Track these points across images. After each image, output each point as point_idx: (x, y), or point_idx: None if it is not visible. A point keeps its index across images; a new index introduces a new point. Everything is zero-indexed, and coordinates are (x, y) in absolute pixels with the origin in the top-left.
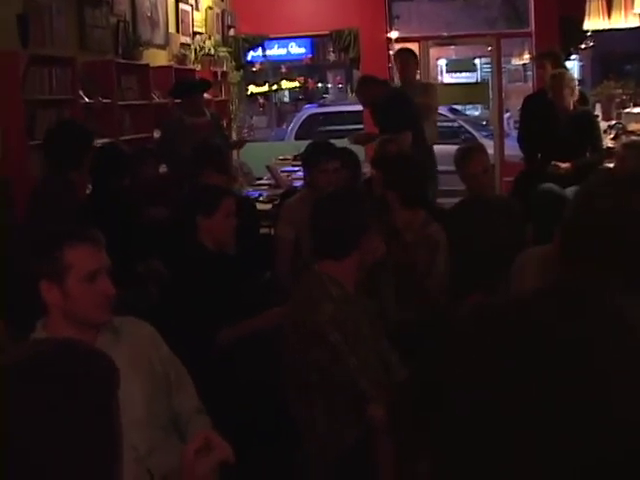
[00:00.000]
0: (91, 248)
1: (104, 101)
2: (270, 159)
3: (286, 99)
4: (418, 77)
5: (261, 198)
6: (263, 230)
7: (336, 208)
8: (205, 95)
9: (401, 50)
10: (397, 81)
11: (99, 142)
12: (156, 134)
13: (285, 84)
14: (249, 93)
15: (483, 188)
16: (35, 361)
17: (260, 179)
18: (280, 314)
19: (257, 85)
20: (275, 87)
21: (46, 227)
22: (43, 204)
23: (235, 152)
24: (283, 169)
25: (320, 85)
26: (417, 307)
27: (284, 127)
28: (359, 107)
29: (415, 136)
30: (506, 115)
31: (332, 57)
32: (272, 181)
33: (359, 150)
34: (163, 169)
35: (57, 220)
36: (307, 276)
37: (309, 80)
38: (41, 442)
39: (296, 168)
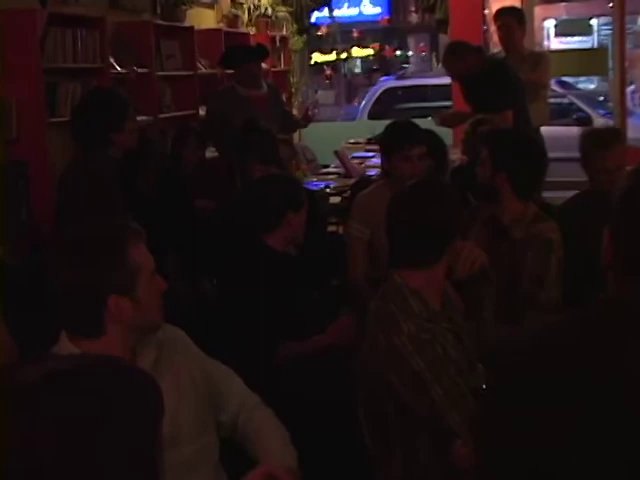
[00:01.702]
0: (143, 241)
1: (139, 71)
2: (339, 143)
3: (358, 70)
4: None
5: (328, 190)
6: (330, 228)
7: (420, 204)
8: (262, 65)
9: (502, 10)
10: (493, 48)
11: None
12: (202, 111)
13: (357, 52)
14: (313, 62)
15: (613, 186)
16: (72, 374)
17: (327, 167)
18: (351, 328)
19: (323, 53)
20: (345, 55)
21: (96, 227)
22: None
23: (297, 134)
24: (354, 155)
25: (399, 53)
26: (523, 322)
27: (355, 104)
28: (447, 80)
29: (517, 116)
30: (630, 88)
31: (414, 19)
32: (341, 169)
33: (445, 133)
34: (211, 152)
35: (105, 213)
36: (385, 286)
37: (386, 47)
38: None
39: (370, 154)
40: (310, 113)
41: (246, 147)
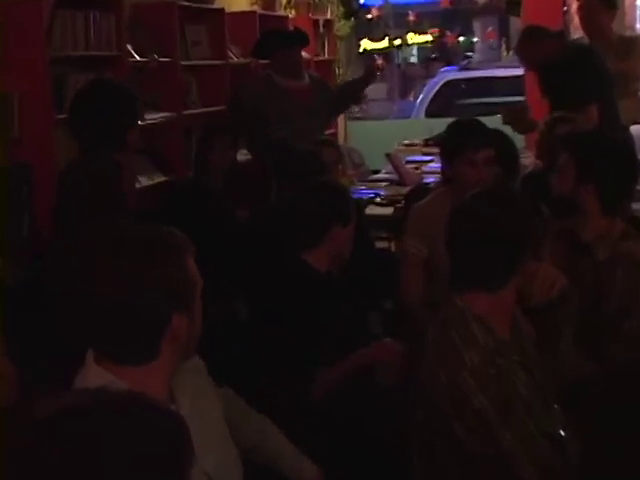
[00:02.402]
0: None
1: (161, 60)
2: (391, 144)
3: (414, 59)
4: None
5: (378, 199)
6: (380, 244)
7: (486, 215)
8: (302, 53)
9: None
10: (575, 33)
11: (154, 118)
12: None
13: (413, 38)
14: (362, 50)
15: None
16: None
17: (377, 172)
18: (398, 347)
19: (373, 40)
20: (399, 42)
21: (147, 231)
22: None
23: (342, 133)
24: (410, 158)
25: (463, 39)
26: (608, 356)
27: (410, 99)
28: (519, 71)
29: (603, 113)
30: None
31: None
32: (394, 175)
33: (517, 134)
34: (243, 155)
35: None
36: (446, 311)
37: (447, 32)
38: None
39: (429, 157)
40: (377, 64)
41: (278, 171)
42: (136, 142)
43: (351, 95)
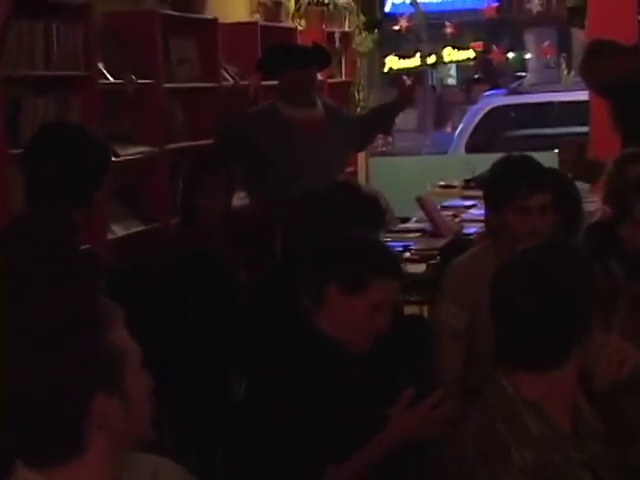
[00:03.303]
0: (122, 321)
1: (140, 82)
2: (423, 186)
3: (452, 81)
4: None
5: (407, 254)
6: (410, 309)
7: (541, 275)
8: (316, 74)
9: None
10: None
11: (131, 153)
12: None
13: (451, 55)
14: (387, 70)
15: None
16: None
17: (405, 221)
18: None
19: (401, 56)
20: (433, 60)
21: (58, 305)
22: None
23: (363, 173)
24: (446, 204)
25: (512, 56)
26: None
27: (447, 130)
28: (584, 95)
29: None
30: None
31: (535, 7)
32: (427, 225)
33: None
34: (241, 199)
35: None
36: (490, 396)
37: (493, 48)
38: None
39: (469, 202)
40: (410, 83)
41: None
42: (101, 200)
43: (379, 124)
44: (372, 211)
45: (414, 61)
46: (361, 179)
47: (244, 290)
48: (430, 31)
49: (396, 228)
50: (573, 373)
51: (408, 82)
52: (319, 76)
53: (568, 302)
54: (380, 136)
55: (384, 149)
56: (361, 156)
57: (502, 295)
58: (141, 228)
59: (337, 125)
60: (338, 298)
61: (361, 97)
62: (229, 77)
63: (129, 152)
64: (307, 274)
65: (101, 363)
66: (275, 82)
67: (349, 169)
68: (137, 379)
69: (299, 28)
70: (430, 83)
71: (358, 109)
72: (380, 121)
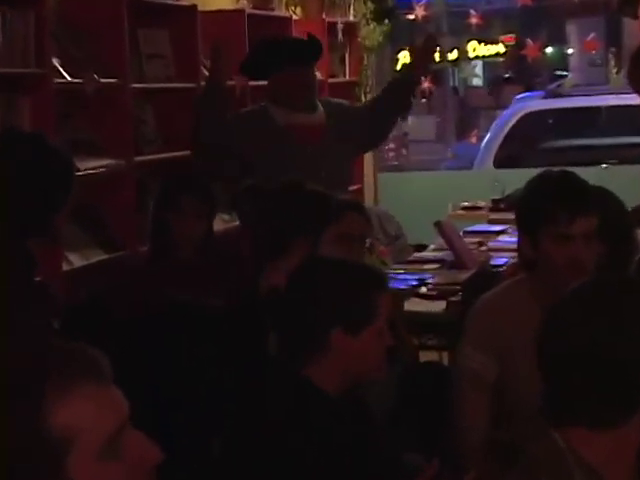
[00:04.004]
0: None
1: (103, 81)
2: (443, 207)
3: (478, 81)
4: None
5: (424, 289)
6: (426, 355)
7: (604, 318)
8: (314, 72)
9: None
10: None
11: (92, 167)
12: None
13: (477, 49)
14: (400, 67)
15: None
16: None
17: (422, 249)
18: None
19: None
20: (455, 56)
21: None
22: None
23: (370, 193)
24: (471, 229)
25: (551, 51)
26: None
27: (472, 140)
28: (636, 99)
29: None
30: None
31: None
32: (447, 254)
33: (630, 189)
34: (225, 223)
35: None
36: (532, 449)
37: (527, 41)
38: None
39: (498, 227)
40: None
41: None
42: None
43: (392, 108)
44: (316, 210)
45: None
46: (368, 198)
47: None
48: (452, 21)
49: (410, 258)
50: (637, 433)
51: (425, 84)
52: (318, 75)
53: (630, 353)
54: (391, 146)
55: (396, 163)
56: (369, 171)
57: (551, 346)
58: (103, 257)
59: (341, 124)
60: (346, 341)
61: (368, 100)
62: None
63: (89, 165)
64: (314, 314)
65: (26, 454)
66: (265, 82)
67: (354, 186)
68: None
69: (294, 17)
70: (451, 84)
71: None
72: (393, 103)
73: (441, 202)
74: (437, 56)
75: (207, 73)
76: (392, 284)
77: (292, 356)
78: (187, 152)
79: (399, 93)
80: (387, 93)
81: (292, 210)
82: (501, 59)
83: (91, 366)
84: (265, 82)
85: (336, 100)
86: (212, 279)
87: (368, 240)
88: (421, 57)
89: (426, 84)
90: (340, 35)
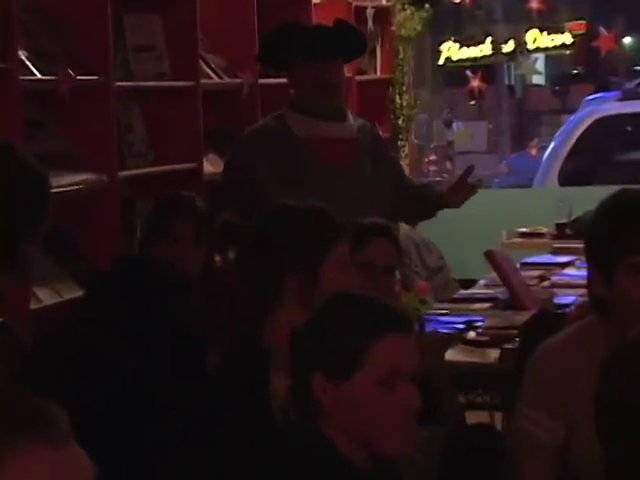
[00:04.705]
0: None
1: (81, 79)
2: (495, 233)
3: (539, 79)
4: None
5: (473, 335)
6: (475, 416)
7: None
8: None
9: None
10: None
11: (67, 182)
12: (210, 166)
13: (537, 40)
14: (442, 62)
15: None
16: None
17: (469, 285)
18: None
19: (465, 43)
20: (510, 47)
21: None
22: None
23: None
24: (530, 260)
25: (628, 42)
26: None
27: (532, 151)
28: None
29: None
30: None
31: None
32: (501, 291)
33: None
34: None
35: None
36: None
37: (600, 30)
38: None
39: (564, 259)
40: (475, 181)
41: None
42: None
43: (415, 207)
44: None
45: (483, 49)
46: (405, 224)
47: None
48: (507, 5)
49: (456, 295)
50: None
51: (474, 82)
52: (347, 72)
53: None
54: (433, 158)
55: (438, 178)
56: None
57: (612, 394)
58: (79, 293)
59: (373, 159)
60: (328, 390)
61: (404, 103)
62: (211, 72)
63: (63, 182)
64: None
65: None
66: (281, 80)
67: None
68: None
69: (315, 1)
70: (507, 82)
71: (400, 121)
72: (418, 205)
73: (493, 227)
74: (490, 48)
75: (209, 71)
76: (431, 327)
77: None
78: (183, 165)
79: (424, 204)
80: (419, 192)
81: (275, 242)
82: (568, 52)
83: (47, 425)
84: (280, 80)
85: (374, 129)
86: (211, 322)
87: (400, 274)
88: (457, 192)
89: (476, 82)
90: (370, 22)
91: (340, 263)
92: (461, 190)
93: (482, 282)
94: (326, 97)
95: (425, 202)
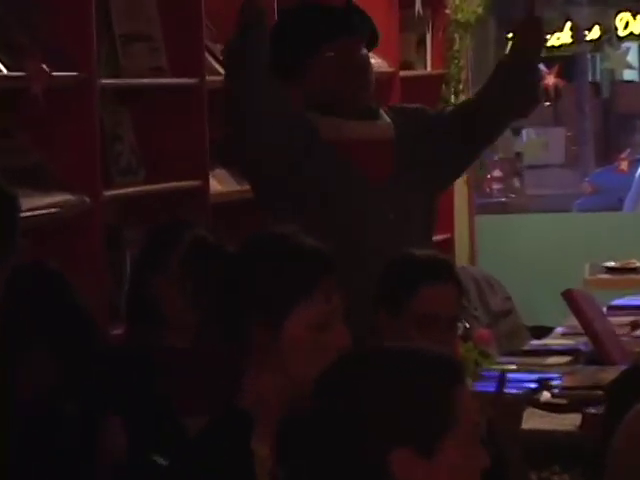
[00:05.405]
0: None
1: (58, 75)
2: (577, 268)
3: (632, 74)
4: None
5: (547, 396)
6: None
7: None
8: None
9: None
10: None
11: (41, 204)
12: (218, 184)
13: (629, 24)
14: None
15: None
16: None
17: (545, 333)
18: None
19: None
20: (596, 34)
21: None
22: None
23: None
24: (620, 302)
25: None
26: None
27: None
28: None
29: None
30: None
31: None
32: (582, 342)
33: None
34: None
35: None
36: None
37: None
38: None
39: None
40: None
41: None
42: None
43: (504, 95)
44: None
45: (561, 37)
46: (461, 254)
47: None
48: None
49: (526, 347)
50: None
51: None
52: (384, 64)
53: None
54: (497, 174)
55: (504, 199)
56: (462, 212)
57: None
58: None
59: (420, 141)
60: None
61: (459, 100)
62: (220, 67)
63: (37, 204)
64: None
65: None
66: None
67: (440, 236)
68: None
69: None
70: (590, 79)
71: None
72: (505, 92)
73: (574, 260)
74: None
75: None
76: (495, 387)
77: None
78: (184, 183)
79: (515, 78)
80: (494, 79)
81: (243, 285)
82: None
83: None
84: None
85: (410, 106)
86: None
87: (463, 326)
88: (523, 41)
89: (551, 79)
90: (418, 4)
91: (314, 318)
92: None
93: (559, 330)
94: (352, 91)
95: (505, 71)
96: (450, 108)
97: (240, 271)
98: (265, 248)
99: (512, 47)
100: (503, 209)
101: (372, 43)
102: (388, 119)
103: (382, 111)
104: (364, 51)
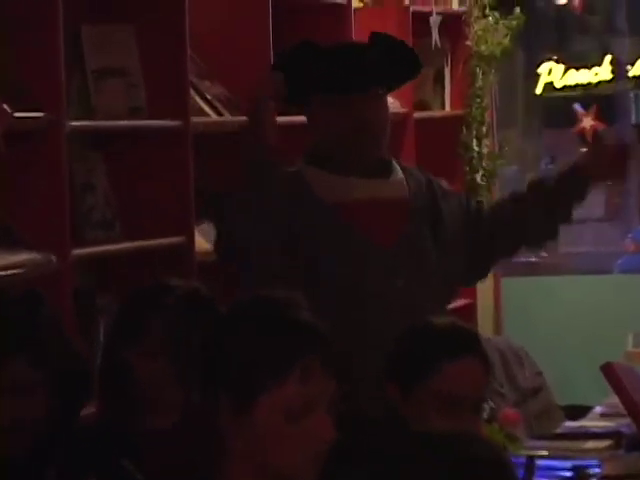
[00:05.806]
0: None
1: (21, 116)
2: (618, 338)
3: None
4: None
5: None
6: None
7: None
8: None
9: None
10: None
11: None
12: (206, 242)
13: None
14: (541, 90)
15: None
16: None
17: (582, 413)
18: None
19: (570, 64)
20: (639, 70)
21: None
22: None
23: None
24: None
25: None
26: None
27: None
28: None
29: None
30: None
31: None
32: (625, 424)
33: None
34: None
35: None
36: None
37: None
38: None
39: None
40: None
41: None
42: None
43: (533, 217)
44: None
45: (600, 73)
46: (484, 323)
47: None
48: (635, 10)
49: (560, 430)
50: None
51: (586, 122)
52: (397, 105)
53: None
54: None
55: (534, 259)
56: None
57: None
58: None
59: (434, 223)
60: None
61: (484, 150)
62: (207, 107)
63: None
64: None
65: None
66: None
67: (460, 301)
68: None
69: (356, 4)
70: (633, 120)
71: (478, 177)
72: (536, 209)
73: (615, 329)
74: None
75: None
76: (522, 475)
77: None
78: (165, 240)
79: (551, 199)
80: (530, 194)
81: (223, 360)
82: None
83: None
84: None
85: (427, 174)
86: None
87: (490, 406)
88: (593, 162)
89: (589, 121)
90: (435, 35)
91: (286, 404)
92: (600, 152)
93: (598, 410)
94: (360, 146)
95: (547, 190)
96: (474, 202)
97: (215, 342)
98: (243, 317)
99: (563, 176)
100: (533, 270)
101: (408, 75)
102: (402, 175)
103: (395, 164)
104: (378, 101)
